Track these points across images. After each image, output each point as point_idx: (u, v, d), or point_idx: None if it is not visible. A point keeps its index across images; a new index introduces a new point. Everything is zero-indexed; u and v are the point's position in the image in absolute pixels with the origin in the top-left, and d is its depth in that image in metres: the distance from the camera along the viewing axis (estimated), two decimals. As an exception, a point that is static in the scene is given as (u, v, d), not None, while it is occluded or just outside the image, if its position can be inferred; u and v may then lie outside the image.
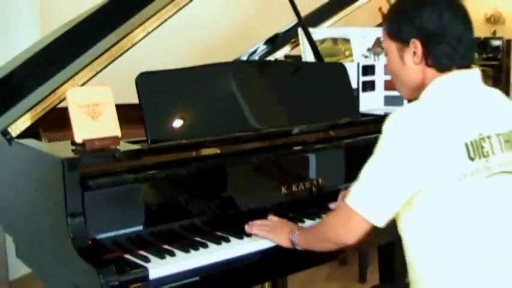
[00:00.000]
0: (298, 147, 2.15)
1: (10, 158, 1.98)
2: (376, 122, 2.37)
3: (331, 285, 3.74)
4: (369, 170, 1.59)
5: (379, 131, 2.08)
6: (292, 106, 2.23)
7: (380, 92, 2.62)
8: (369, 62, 3.28)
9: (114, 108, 1.82)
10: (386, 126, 1.58)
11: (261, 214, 1.94)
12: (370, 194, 1.57)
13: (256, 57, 4.39)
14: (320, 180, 2.14)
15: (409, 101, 1.75)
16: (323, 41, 3.34)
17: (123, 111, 1.89)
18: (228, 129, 2.04)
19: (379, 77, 2.62)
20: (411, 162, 1.52)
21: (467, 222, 1.55)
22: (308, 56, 3.03)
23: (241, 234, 1.85)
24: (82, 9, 2.89)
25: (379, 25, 6.20)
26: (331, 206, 2.08)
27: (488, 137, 1.57)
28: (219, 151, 1.96)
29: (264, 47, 4.56)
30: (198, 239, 1.81)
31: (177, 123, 1.96)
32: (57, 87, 1.95)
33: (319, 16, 4.55)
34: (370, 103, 2.59)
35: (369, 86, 2.61)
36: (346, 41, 3.38)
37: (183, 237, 1.81)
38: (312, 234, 1.78)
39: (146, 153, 1.82)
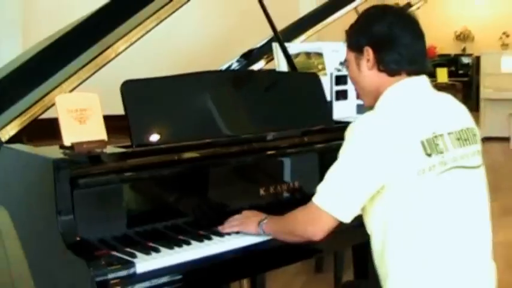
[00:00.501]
0: (275, 152, 2.25)
1: (1, 163, 2.06)
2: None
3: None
4: (334, 170, 1.72)
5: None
6: (269, 113, 2.34)
7: (352, 100, 2.75)
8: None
9: (101, 114, 1.90)
10: (349, 133, 1.74)
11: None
12: (336, 192, 1.70)
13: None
14: (296, 183, 2.24)
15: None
16: (297, 55, 3.44)
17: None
18: (209, 134, 2.14)
19: (352, 87, 2.73)
20: (373, 161, 1.66)
21: (427, 214, 1.68)
22: (282, 70, 3.14)
23: (222, 233, 1.95)
24: (64, 22, 2.98)
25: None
26: None
27: (441, 135, 1.72)
28: (200, 155, 2.05)
29: (239, 61, 4.68)
30: (181, 237, 1.90)
31: (160, 128, 2.05)
32: (45, 95, 2.04)
33: (292, 32, 4.71)
34: (343, 111, 2.71)
35: (342, 95, 2.73)
36: (319, 55, 3.49)
37: (167, 236, 1.90)
38: (280, 226, 1.89)
39: (131, 156, 1.91)
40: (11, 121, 2.00)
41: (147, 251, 1.77)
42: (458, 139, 1.76)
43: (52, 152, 1.85)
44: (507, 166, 8.31)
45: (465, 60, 14.46)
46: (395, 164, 1.65)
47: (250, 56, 4.69)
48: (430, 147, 1.68)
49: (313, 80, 2.54)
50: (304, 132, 2.38)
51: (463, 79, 13.49)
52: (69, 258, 1.65)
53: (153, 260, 1.73)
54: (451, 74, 12.08)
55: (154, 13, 2.25)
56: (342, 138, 2.37)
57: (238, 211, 2.04)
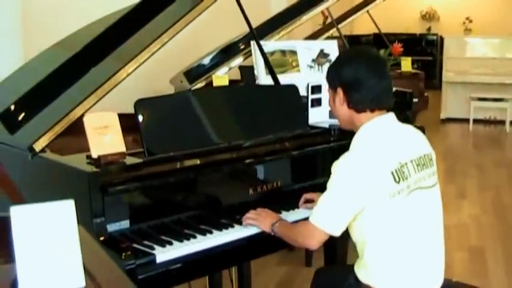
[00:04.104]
0: (264, 158, 2.66)
1: (32, 169, 2.43)
2: (322, 134, 2.94)
3: (282, 268, 4.26)
4: (325, 197, 2.16)
5: (325, 142, 2.69)
6: (258, 122, 2.75)
7: (325, 107, 3.14)
8: (313, 74, 3.80)
9: (120, 129, 2.29)
10: (334, 169, 2.15)
11: (236, 210, 2.47)
12: (327, 214, 2.15)
13: (209, 65, 4.89)
14: (279, 182, 2.67)
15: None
16: (273, 53, 3.78)
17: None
18: (209, 143, 2.55)
19: (325, 95, 3.14)
20: (354, 190, 2.10)
21: (397, 226, 2.14)
22: (260, 67, 3.51)
23: (220, 227, 2.37)
24: (62, 31, 3.31)
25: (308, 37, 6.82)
26: (307, 196, 2.64)
27: (406, 164, 2.15)
28: (202, 162, 2.47)
29: (217, 56, 5.03)
30: (187, 231, 2.31)
31: (167, 139, 2.43)
32: (70, 111, 2.41)
33: (264, 31, 5.06)
34: (317, 117, 3.11)
35: (317, 103, 3.14)
36: (294, 52, 3.85)
37: (176, 230, 2.31)
38: (287, 233, 2.31)
39: (147, 165, 2.31)
40: (42, 135, 2.36)
41: (162, 244, 2.18)
42: (418, 165, 2.19)
43: (81, 162, 2.24)
44: (465, 149, 8.83)
45: (430, 38, 14.94)
46: (371, 192, 2.09)
47: (228, 52, 5.05)
48: (398, 175, 2.11)
49: (293, 91, 2.96)
50: (285, 139, 2.81)
51: (428, 58, 14.02)
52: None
53: (168, 251, 2.15)
54: (416, 53, 12.54)
55: (158, 37, 2.62)
56: (316, 144, 2.83)
57: (233, 207, 2.48)
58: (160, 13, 2.87)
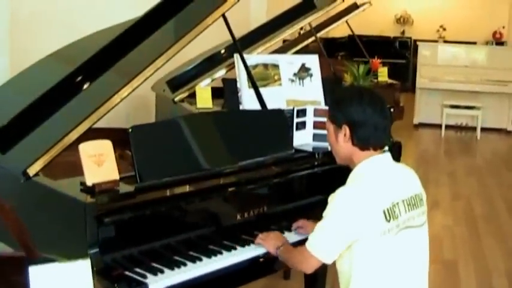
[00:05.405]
0: (252, 184, 2.74)
1: (23, 192, 2.45)
2: (307, 158, 3.02)
3: (261, 281, 4.27)
4: (321, 226, 2.25)
5: (310, 167, 2.77)
6: (246, 147, 2.83)
7: (310, 130, 3.22)
8: (294, 87, 3.88)
9: (114, 156, 2.34)
10: (331, 200, 2.24)
11: (224, 235, 2.55)
12: (321, 242, 2.24)
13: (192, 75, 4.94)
14: (266, 207, 2.74)
15: None
16: (255, 66, 3.85)
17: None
18: (200, 169, 2.61)
19: (310, 118, 3.23)
20: (348, 224, 2.19)
21: (386, 263, 2.22)
22: (242, 80, 3.57)
23: (209, 254, 2.43)
24: (48, 41, 3.32)
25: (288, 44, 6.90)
26: (299, 223, 2.73)
27: (397, 203, 2.24)
28: (193, 188, 2.54)
29: (201, 65, 5.08)
30: (176, 257, 2.37)
31: (159, 165, 2.49)
32: (65, 136, 2.44)
33: (250, 41, 5.12)
34: (302, 139, 3.19)
35: (301, 125, 3.21)
36: (276, 66, 3.93)
37: (164, 256, 2.36)
38: (287, 258, 2.43)
39: (140, 191, 2.36)
40: (37, 159, 2.39)
41: (153, 271, 2.24)
42: (409, 205, 2.28)
43: (75, 189, 2.27)
44: (437, 155, 8.98)
45: (403, 42, 15.12)
46: (363, 227, 2.18)
47: (212, 62, 5.11)
48: (389, 215, 2.20)
49: (280, 115, 3.04)
50: (270, 164, 2.90)
51: (401, 61, 14.20)
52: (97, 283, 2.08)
53: (160, 280, 2.21)
54: (389, 56, 12.70)
55: (151, 62, 2.67)
56: (301, 170, 2.91)
57: (220, 232, 2.54)
58: (154, 33, 2.92)
